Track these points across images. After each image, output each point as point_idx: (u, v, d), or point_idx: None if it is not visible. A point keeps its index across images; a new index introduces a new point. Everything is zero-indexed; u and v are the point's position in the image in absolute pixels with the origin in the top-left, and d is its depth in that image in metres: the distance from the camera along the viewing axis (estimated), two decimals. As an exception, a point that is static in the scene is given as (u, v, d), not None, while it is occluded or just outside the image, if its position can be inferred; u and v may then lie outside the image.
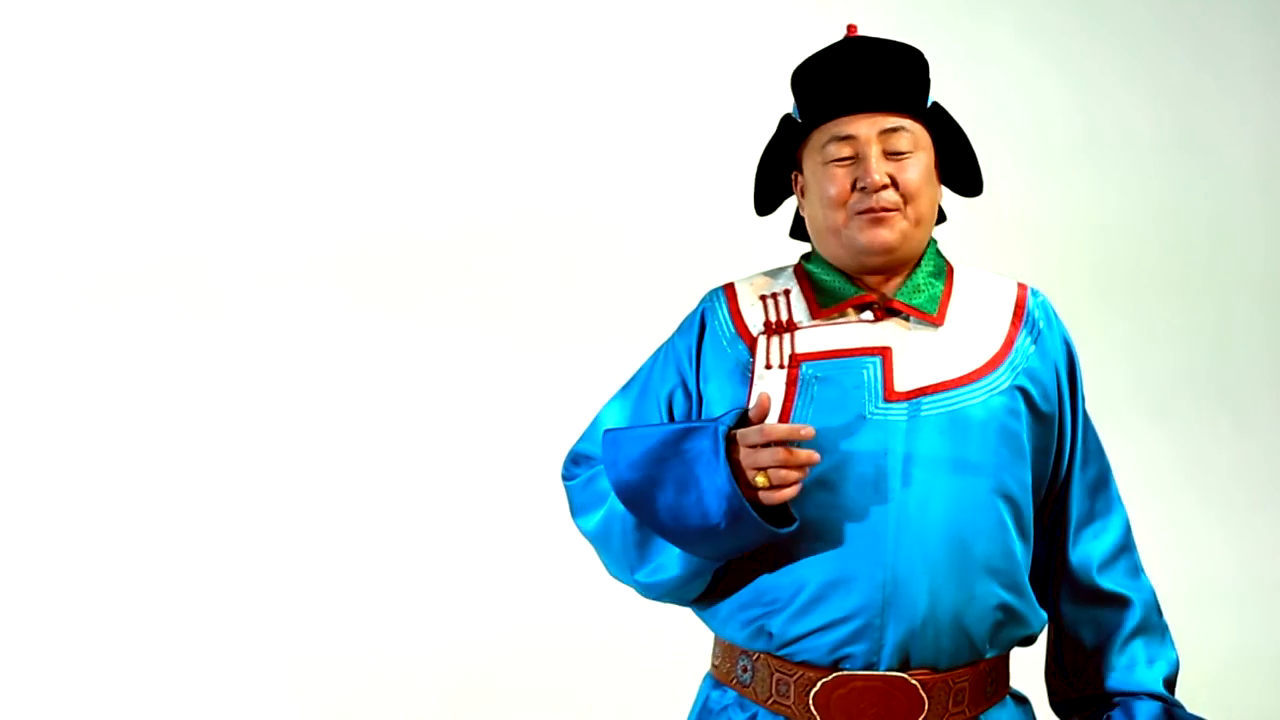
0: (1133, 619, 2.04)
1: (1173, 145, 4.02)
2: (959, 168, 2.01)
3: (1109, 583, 2.04)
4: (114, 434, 3.57)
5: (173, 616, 3.57)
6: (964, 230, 3.73)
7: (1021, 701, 2.03)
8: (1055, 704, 2.10)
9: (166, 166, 3.59)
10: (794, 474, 1.75)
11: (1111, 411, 3.89)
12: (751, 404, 1.78)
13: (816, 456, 1.74)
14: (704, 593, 1.96)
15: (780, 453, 1.74)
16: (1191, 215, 4.04)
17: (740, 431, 1.78)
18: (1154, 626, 2.05)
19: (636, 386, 2.05)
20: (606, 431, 1.84)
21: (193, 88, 3.59)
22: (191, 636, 3.57)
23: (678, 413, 1.99)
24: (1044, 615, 1.98)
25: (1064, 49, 3.97)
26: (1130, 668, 2.03)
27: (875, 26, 3.58)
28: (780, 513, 1.82)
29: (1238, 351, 4.09)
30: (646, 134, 3.62)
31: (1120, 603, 2.04)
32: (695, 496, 1.79)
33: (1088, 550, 2.04)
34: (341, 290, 3.61)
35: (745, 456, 1.76)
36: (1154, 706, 1.99)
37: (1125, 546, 2.06)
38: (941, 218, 2.05)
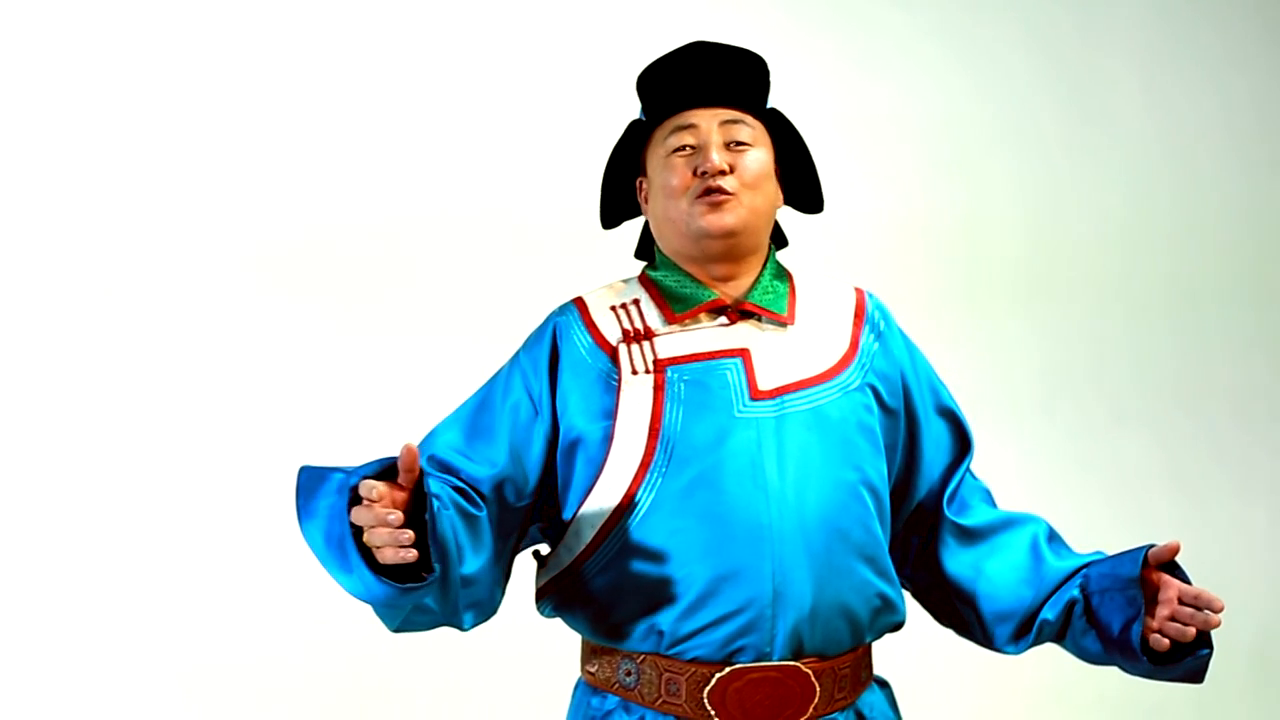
0: (1038, 527, 2.07)
1: (1055, 145, 4.08)
2: (800, 182, 2.07)
3: (1001, 514, 2.10)
4: (32, 435, 3.41)
5: (72, 619, 3.42)
6: (852, 230, 3.75)
7: (884, 685, 2.08)
8: (1005, 640, 2.06)
9: (92, 165, 3.46)
10: (382, 535, 1.66)
11: (992, 409, 3.90)
12: (400, 454, 1.71)
13: (397, 517, 1.65)
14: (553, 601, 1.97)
15: (371, 515, 1.66)
16: (1070, 216, 4.10)
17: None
18: (1059, 538, 2.09)
19: (473, 404, 2.02)
20: (303, 469, 1.75)
21: (119, 85, 3.47)
22: (84, 641, 3.42)
23: (520, 428, 1.97)
24: (904, 605, 2.02)
25: (930, 60, 4.01)
26: (1062, 556, 2.05)
27: (771, 27, 3.53)
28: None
29: (1114, 349, 4.13)
30: (570, 132, 3.60)
31: (1018, 521, 2.08)
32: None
33: (977, 510, 2.10)
34: (262, 285, 3.52)
35: (355, 515, 1.69)
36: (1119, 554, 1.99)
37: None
38: (784, 242, 2.12)
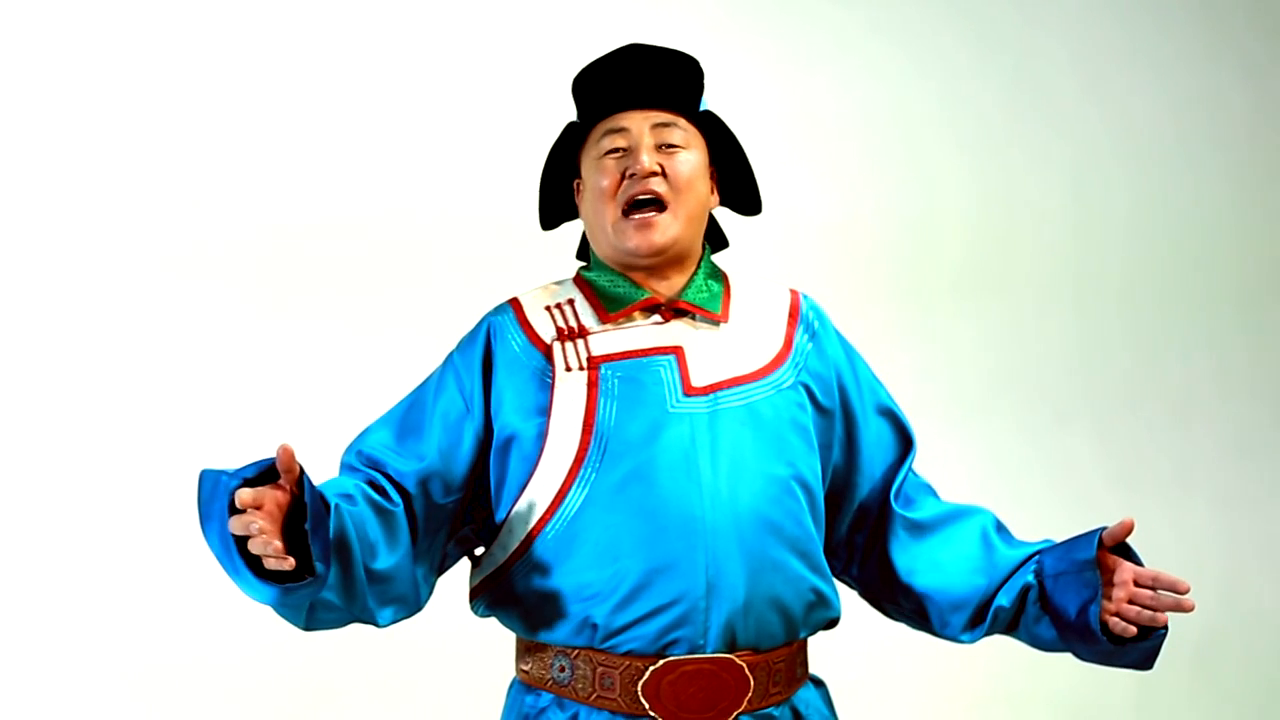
0: (986, 518, 2.09)
1: (1000, 141, 4.09)
2: (736, 183, 2.08)
3: (949, 506, 2.12)
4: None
5: (17, 620, 3.41)
6: (797, 227, 3.76)
7: (820, 684, 2.08)
8: (960, 629, 2.07)
9: (34, 161, 3.46)
10: (258, 543, 1.66)
11: (936, 406, 3.90)
12: (276, 453, 1.72)
13: (260, 527, 1.65)
14: (490, 598, 1.97)
15: (240, 523, 1.67)
16: (1002, 217, 4.11)
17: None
18: (1005, 529, 2.10)
19: (406, 403, 2.04)
20: (203, 472, 1.75)
21: (64, 81, 3.46)
22: (30, 642, 3.41)
23: (450, 426, 1.98)
24: (839, 601, 2.03)
25: (874, 55, 4.03)
26: (1013, 544, 2.07)
27: (712, 24, 3.52)
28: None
29: (1048, 351, 4.15)
30: (526, 132, 3.61)
31: (966, 512, 2.10)
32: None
33: (924, 504, 2.12)
34: (219, 283, 3.53)
35: (231, 524, 1.70)
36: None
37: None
38: (724, 244, 2.14)
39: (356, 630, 1.99)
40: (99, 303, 3.47)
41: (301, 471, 1.72)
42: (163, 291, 3.49)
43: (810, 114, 3.94)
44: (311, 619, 1.84)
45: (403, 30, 3.65)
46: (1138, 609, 1.91)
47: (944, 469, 3.78)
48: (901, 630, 2.25)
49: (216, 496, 1.70)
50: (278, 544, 1.65)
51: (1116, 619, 1.91)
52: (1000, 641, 2.18)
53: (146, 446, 3.45)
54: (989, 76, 4.09)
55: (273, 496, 1.70)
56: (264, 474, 1.72)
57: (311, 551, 1.71)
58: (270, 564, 1.66)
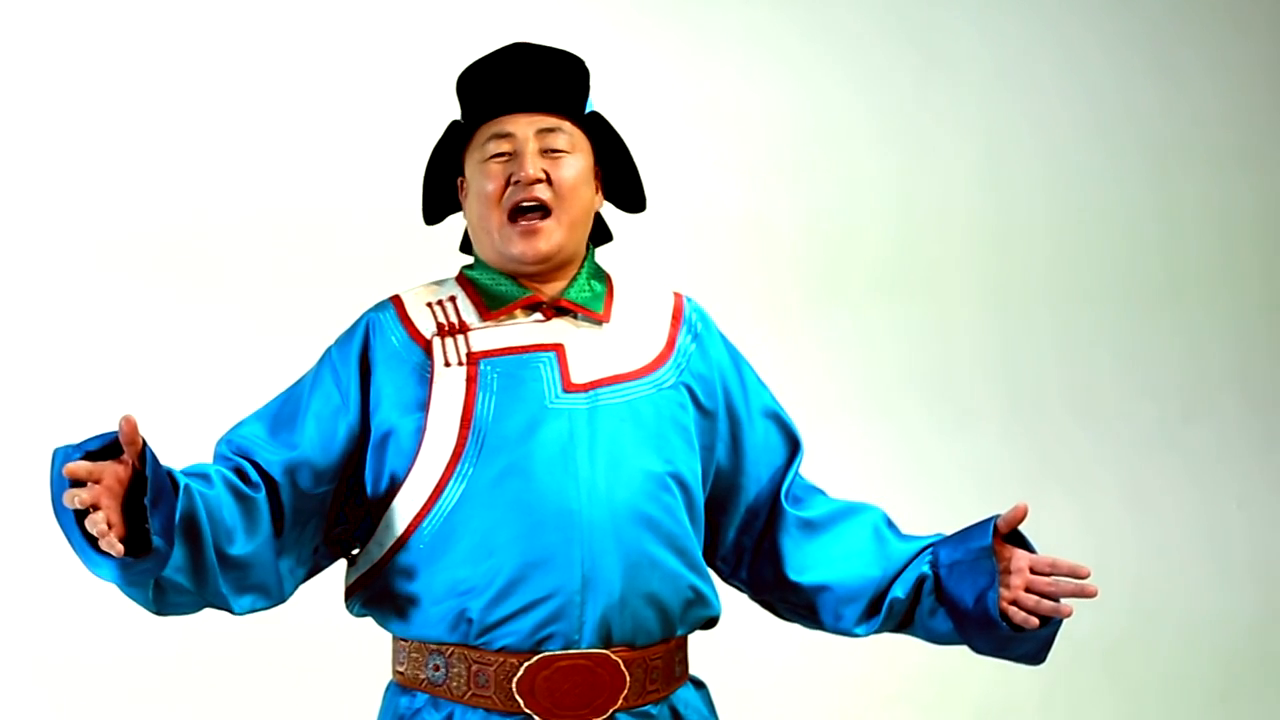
0: (877, 513, 2.10)
1: (896, 144, 4.09)
2: (621, 181, 2.09)
3: (839, 503, 2.12)
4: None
5: None
6: (690, 229, 3.75)
7: (700, 685, 2.08)
8: (855, 621, 2.07)
9: None
10: (93, 520, 1.66)
11: (835, 409, 3.90)
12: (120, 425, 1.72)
13: (84, 501, 1.66)
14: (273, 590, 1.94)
15: (71, 498, 1.67)
16: (915, 215, 4.11)
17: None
18: (895, 525, 2.11)
19: (282, 397, 2.03)
20: (56, 449, 1.75)
21: None
22: None
23: (324, 418, 1.97)
24: (718, 601, 2.03)
25: (787, 48, 4.01)
26: (905, 538, 2.08)
27: (615, 20, 3.48)
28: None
29: (954, 350, 4.15)
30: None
31: (857, 508, 2.11)
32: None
33: (815, 502, 2.13)
34: (115, 276, 3.48)
35: (65, 498, 1.70)
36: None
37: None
38: (608, 237, 2.15)
39: (230, 630, 1.97)
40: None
41: (145, 445, 1.70)
42: (63, 282, 3.46)
43: (720, 107, 3.93)
44: (161, 601, 1.83)
45: (312, 26, 3.64)
46: (1036, 598, 1.92)
47: (858, 465, 3.80)
48: (801, 634, 2.25)
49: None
50: (103, 526, 1.64)
51: (1015, 609, 1.92)
52: (907, 644, 2.18)
53: (40, 436, 3.40)
54: (902, 66, 4.09)
55: (114, 471, 1.69)
56: (109, 447, 1.71)
57: (150, 527, 1.69)
58: (103, 544, 1.65)
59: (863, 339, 4.04)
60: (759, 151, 3.96)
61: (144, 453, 1.71)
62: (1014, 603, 1.92)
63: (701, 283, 3.84)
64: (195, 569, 1.81)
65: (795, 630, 2.24)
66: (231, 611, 1.91)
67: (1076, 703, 4.07)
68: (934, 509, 3.87)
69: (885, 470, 3.96)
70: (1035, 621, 1.91)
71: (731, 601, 2.15)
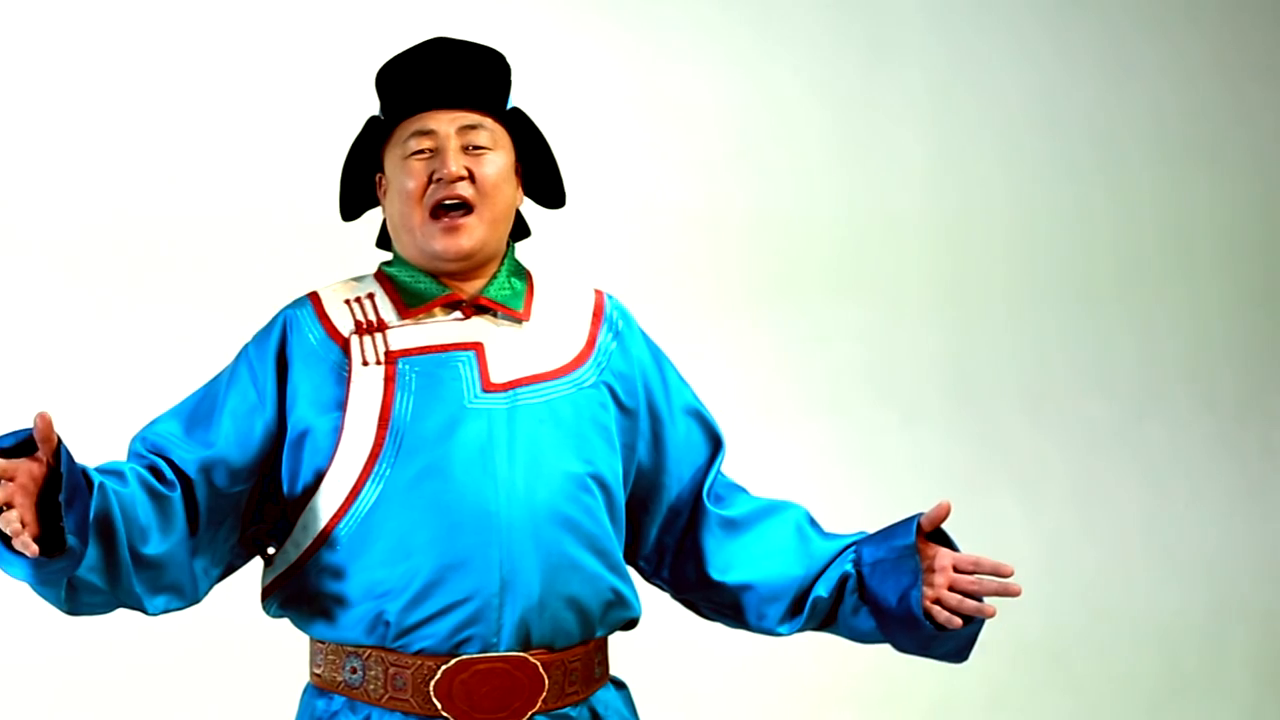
0: (799, 512, 2.09)
1: (845, 145, 4.08)
2: (541, 177, 2.08)
3: (761, 501, 2.11)
4: None
5: None
6: (639, 225, 3.73)
7: (621, 686, 2.07)
8: (777, 620, 2.07)
9: None
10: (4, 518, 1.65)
11: (781, 408, 3.88)
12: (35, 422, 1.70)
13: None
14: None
15: None
16: (862, 214, 4.10)
17: None
18: (818, 523, 2.10)
19: (198, 394, 2.01)
20: None
21: None
22: None
23: (240, 416, 1.95)
24: (638, 602, 2.02)
25: (737, 46, 4.00)
26: (828, 536, 2.07)
27: (561, 15, 3.44)
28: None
29: (905, 347, 4.15)
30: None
31: (779, 506, 2.10)
32: None
33: (737, 501, 2.11)
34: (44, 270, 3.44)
35: None
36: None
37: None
38: (526, 233, 2.13)
39: (144, 632, 1.95)
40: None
41: (59, 443, 1.69)
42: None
43: (668, 101, 3.92)
44: (74, 601, 1.81)
45: (233, 25, 3.61)
46: (959, 598, 1.91)
47: (810, 462, 3.78)
48: (737, 634, 2.23)
49: None
50: (16, 525, 1.62)
51: (939, 608, 1.91)
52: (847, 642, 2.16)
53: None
54: (852, 58, 4.09)
55: (27, 469, 1.67)
56: (23, 445, 1.69)
57: (65, 526, 1.67)
58: (15, 543, 1.63)
59: (814, 335, 4.03)
60: (708, 146, 3.95)
61: (59, 450, 1.69)
62: (937, 601, 1.92)
63: (651, 279, 3.86)
64: (109, 569, 1.79)
65: (731, 631, 2.21)
66: (145, 612, 1.89)
67: (1026, 701, 4.07)
68: (885, 507, 3.84)
69: (837, 468, 3.96)
70: (959, 621, 1.91)
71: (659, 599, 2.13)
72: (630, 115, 3.83)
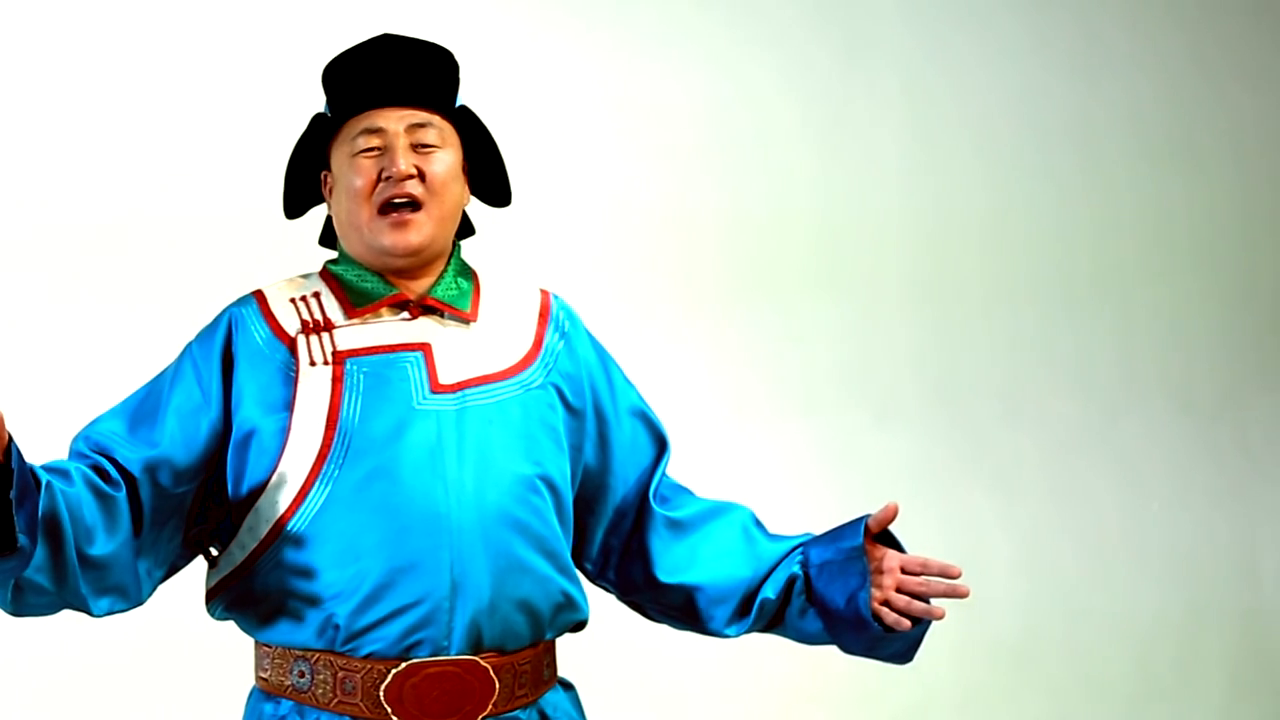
0: (745, 513, 2.09)
1: (821, 143, 4.06)
2: (488, 176, 2.07)
3: (708, 503, 2.11)
4: None
5: None
6: (613, 223, 3.71)
7: (569, 687, 2.06)
8: (725, 622, 2.07)
9: None
10: None
11: (755, 407, 3.86)
12: None
13: None
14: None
15: None
16: (838, 213, 4.08)
17: None
18: (764, 525, 2.10)
19: (141, 392, 1.99)
20: None
21: None
22: None
23: (185, 415, 1.93)
24: (587, 604, 2.01)
25: (712, 44, 3.98)
26: (775, 537, 2.06)
27: (522, 15, 3.41)
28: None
29: (880, 346, 4.13)
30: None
31: (726, 508, 2.10)
32: None
33: (684, 502, 2.11)
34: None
35: None
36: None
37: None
38: (470, 231, 2.12)
39: (86, 635, 1.92)
40: None
41: (10, 441, 1.66)
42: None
43: (642, 98, 3.90)
44: (19, 602, 1.79)
45: (186, 23, 3.57)
46: (907, 599, 1.90)
47: (784, 461, 3.75)
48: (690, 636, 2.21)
49: None
50: None
51: (887, 610, 1.90)
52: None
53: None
54: (827, 54, 4.06)
55: None
56: None
57: (15, 524, 1.65)
58: None
59: (789, 334, 4.01)
60: (682, 144, 3.93)
61: (9, 448, 1.67)
62: (885, 603, 1.91)
63: (625, 278, 3.85)
64: (56, 569, 1.76)
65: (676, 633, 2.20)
66: (90, 613, 1.87)
67: (1001, 701, 4.06)
68: (861, 506, 3.84)
69: (812, 467, 3.95)
70: (907, 624, 1.90)
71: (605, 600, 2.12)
72: (604, 113, 3.81)
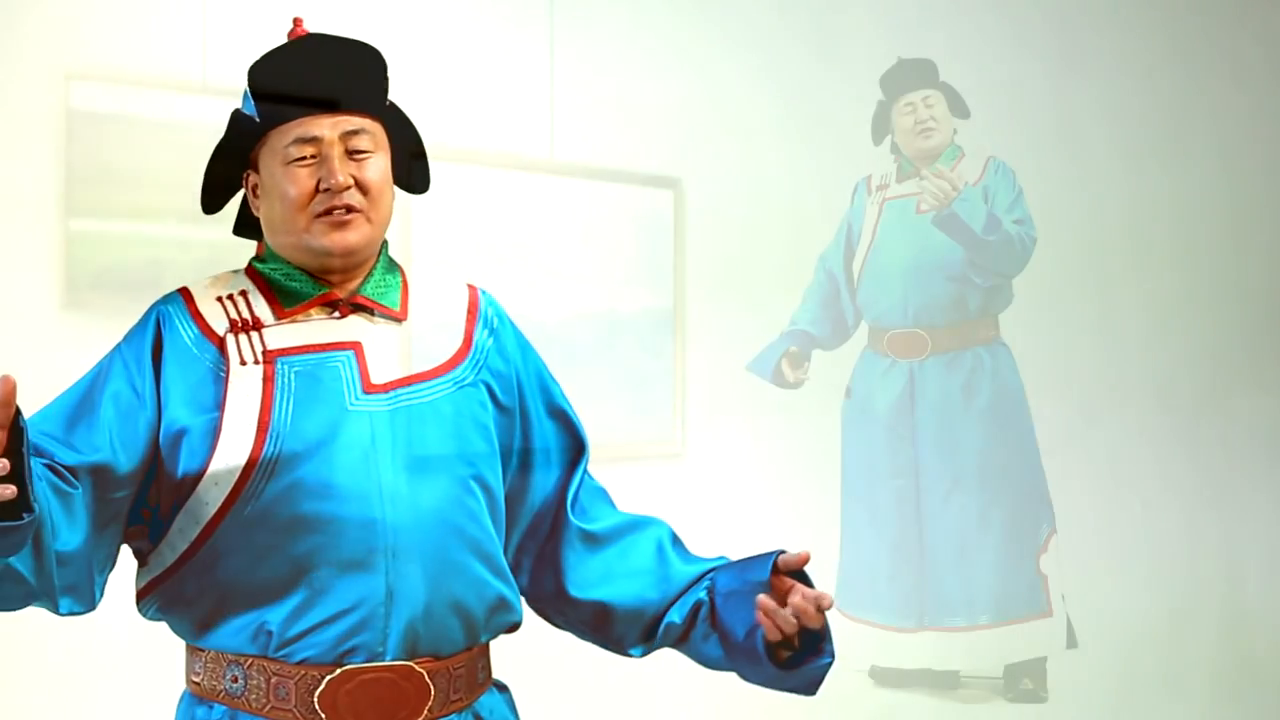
0: (661, 530, 2.07)
1: (794, 140, 4.07)
2: (410, 166, 2.05)
3: (624, 517, 2.09)
4: None
5: None
6: (591, 223, 3.69)
7: (504, 689, 2.05)
8: (631, 643, 2.06)
9: None
10: None
11: (729, 405, 3.84)
12: None
13: None
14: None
15: None
16: (814, 211, 4.12)
17: None
18: (680, 542, 2.08)
19: (74, 394, 1.94)
20: None
21: None
22: None
23: (121, 417, 1.89)
24: (520, 605, 2.00)
25: (683, 42, 3.99)
26: (688, 560, 2.05)
27: (494, 14, 3.41)
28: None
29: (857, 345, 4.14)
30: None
31: (641, 524, 2.08)
32: None
33: (600, 514, 2.09)
34: None
35: None
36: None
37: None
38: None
39: (16, 632, 1.90)
40: None
41: (18, 410, 1.64)
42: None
43: (615, 98, 3.90)
44: None
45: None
46: (785, 618, 1.86)
47: (752, 463, 3.74)
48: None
49: None
50: (4, 462, 1.59)
51: (770, 624, 1.87)
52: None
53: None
54: (800, 53, 4.08)
55: None
56: None
57: (30, 490, 1.64)
58: None
59: (763, 333, 4.00)
60: (656, 143, 3.93)
61: (18, 416, 1.65)
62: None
63: (603, 279, 3.84)
64: (37, 557, 1.74)
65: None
66: (57, 611, 1.84)
67: (983, 702, 4.06)
68: (840, 508, 3.85)
69: (789, 467, 3.94)
70: (778, 635, 1.86)
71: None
72: (579, 114, 3.80)
